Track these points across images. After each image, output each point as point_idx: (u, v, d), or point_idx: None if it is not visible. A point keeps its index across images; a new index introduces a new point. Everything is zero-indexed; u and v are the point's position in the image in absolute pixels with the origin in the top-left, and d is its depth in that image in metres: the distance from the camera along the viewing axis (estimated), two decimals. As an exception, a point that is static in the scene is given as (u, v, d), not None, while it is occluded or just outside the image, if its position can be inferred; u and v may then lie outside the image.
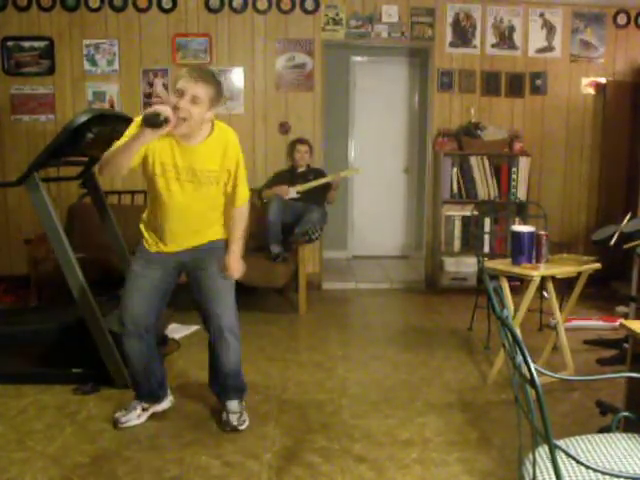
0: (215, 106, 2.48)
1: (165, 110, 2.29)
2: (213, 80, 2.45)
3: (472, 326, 4.36)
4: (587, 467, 1.34)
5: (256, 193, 5.19)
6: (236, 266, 2.69)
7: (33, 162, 3.15)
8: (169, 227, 2.62)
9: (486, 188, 5.39)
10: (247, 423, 2.79)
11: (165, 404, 2.95)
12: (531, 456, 1.50)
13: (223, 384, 2.85)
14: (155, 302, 2.71)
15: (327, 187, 5.06)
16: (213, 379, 2.93)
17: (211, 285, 2.69)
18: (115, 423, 2.77)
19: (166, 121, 2.28)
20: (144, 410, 2.84)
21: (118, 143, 2.39)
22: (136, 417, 2.80)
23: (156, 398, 2.90)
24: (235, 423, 2.75)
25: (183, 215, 2.60)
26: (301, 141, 5.22)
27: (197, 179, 2.54)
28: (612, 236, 3.61)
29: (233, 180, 2.63)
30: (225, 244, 2.73)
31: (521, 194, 5.37)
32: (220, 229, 2.74)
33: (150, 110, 2.30)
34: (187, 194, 2.56)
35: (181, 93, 2.37)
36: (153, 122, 2.27)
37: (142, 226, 2.72)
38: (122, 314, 2.70)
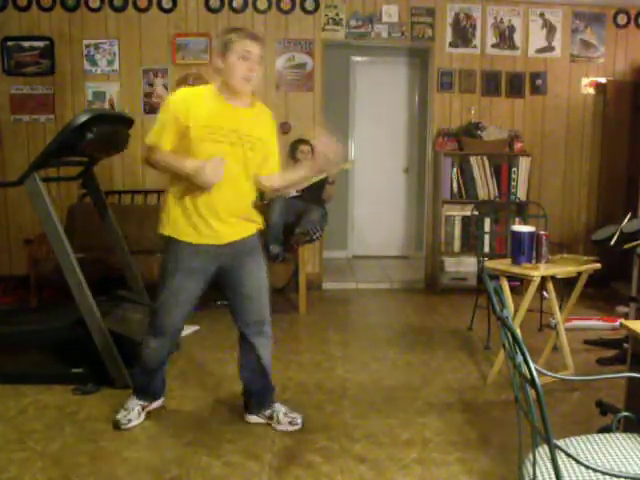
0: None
1: (220, 175, 2.40)
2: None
3: (472, 326, 4.36)
4: (587, 467, 1.34)
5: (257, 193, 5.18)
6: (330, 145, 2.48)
7: (33, 162, 3.15)
8: (223, 204, 2.52)
9: (486, 188, 5.39)
10: None
11: (161, 401, 2.94)
12: (531, 456, 1.50)
13: (265, 385, 2.82)
14: (191, 309, 2.71)
15: (323, 184, 5.01)
16: (257, 386, 2.82)
17: (253, 283, 2.67)
18: (117, 425, 2.75)
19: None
20: (143, 409, 2.84)
21: (170, 159, 2.47)
22: (137, 416, 2.79)
23: (158, 396, 2.91)
24: (300, 420, 2.78)
25: (234, 184, 2.52)
26: (303, 141, 5.18)
27: (241, 142, 2.50)
28: (612, 236, 3.61)
29: (272, 148, 2.66)
30: (257, 238, 2.72)
31: (521, 194, 5.37)
32: (252, 223, 2.70)
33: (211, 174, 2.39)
34: (235, 158, 2.50)
35: (248, 54, 2.41)
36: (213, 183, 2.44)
37: (178, 216, 2.54)
38: (160, 324, 2.67)
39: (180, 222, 2.54)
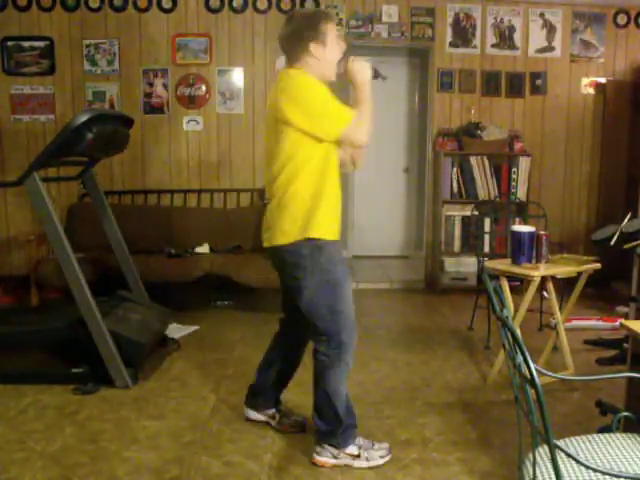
0: None
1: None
2: None
3: (472, 326, 4.36)
4: (587, 467, 1.34)
5: (257, 193, 5.20)
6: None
7: (33, 162, 3.15)
8: (339, 192, 2.44)
9: (486, 188, 5.39)
10: None
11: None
12: (531, 456, 1.50)
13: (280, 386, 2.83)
14: None
15: None
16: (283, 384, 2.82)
17: None
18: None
19: None
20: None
21: (363, 111, 2.40)
22: (372, 446, 2.53)
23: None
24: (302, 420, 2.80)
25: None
26: None
27: None
28: (612, 236, 3.61)
29: None
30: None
31: (521, 194, 5.37)
32: None
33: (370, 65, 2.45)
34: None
35: (341, 40, 2.46)
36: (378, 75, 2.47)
37: (324, 215, 2.37)
38: (350, 334, 2.56)
39: (327, 220, 2.39)
